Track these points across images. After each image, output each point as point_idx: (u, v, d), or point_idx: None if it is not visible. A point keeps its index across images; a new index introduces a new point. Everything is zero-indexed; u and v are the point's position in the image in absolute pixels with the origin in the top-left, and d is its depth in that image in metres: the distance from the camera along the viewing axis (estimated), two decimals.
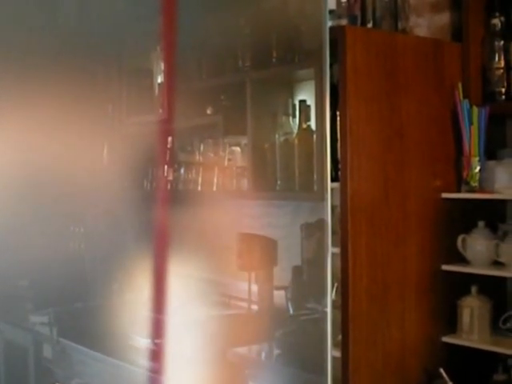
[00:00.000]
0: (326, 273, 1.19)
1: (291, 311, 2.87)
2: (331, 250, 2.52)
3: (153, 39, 2.65)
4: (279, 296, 2.93)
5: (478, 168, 2.71)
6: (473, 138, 2.72)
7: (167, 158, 3.14)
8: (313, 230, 2.74)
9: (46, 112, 2.77)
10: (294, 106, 2.90)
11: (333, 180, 2.59)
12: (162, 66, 2.78)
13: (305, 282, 2.82)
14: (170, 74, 2.13)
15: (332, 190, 2.62)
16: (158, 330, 2.44)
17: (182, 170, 3.19)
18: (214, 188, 3.09)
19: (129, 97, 3.36)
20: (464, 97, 2.75)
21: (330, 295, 1.22)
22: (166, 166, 3.13)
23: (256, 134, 2.95)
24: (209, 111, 3.19)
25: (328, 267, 1.20)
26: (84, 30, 3.07)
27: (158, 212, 2.24)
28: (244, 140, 3.01)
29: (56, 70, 2.87)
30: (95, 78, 3.16)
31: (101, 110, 3.27)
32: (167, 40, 1.88)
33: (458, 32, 2.87)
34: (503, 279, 2.80)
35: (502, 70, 2.73)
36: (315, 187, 2.67)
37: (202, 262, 2.95)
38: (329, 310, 1.20)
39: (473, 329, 2.70)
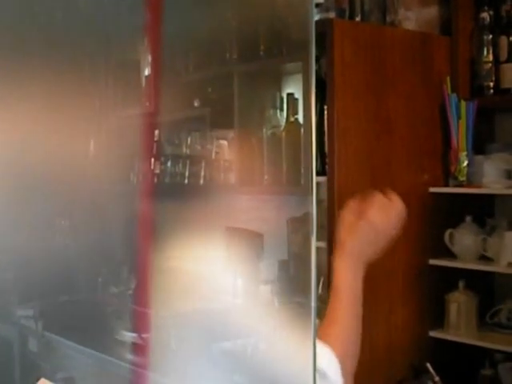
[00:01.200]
0: (307, 267, 1.17)
1: (277, 305, 2.85)
2: (318, 244, 2.51)
3: (140, 31, 2.63)
4: (265, 290, 2.92)
5: (466, 162, 2.71)
6: (461, 132, 2.71)
7: (154, 151, 3.13)
8: (299, 224, 2.73)
9: (29, 105, 2.74)
10: (281, 99, 2.88)
11: (320, 174, 2.58)
12: (150, 58, 2.76)
13: (291, 277, 2.81)
14: (156, 66, 2.11)
15: (319, 183, 2.61)
16: (143, 323, 2.42)
17: (169, 163, 3.17)
18: (201, 181, 3.07)
19: (115, 89, 3.34)
20: (452, 91, 2.74)
21: (315, 290, 1.20)
22: (152, 159, 3.12)
23: (243, 127, 2.94)
24: (196, 104, 3.17)
25: (312, 261, 1.18)
26: (70, 23, 3.04)
27: (143, 205, 2.22)
28: (231, 133, 2.99)
29: (41, 63, 2.84)
30: (81, 71, 3.13)
31: (87, 103, 3.25)
32: (153, 32, 1.86)
33: (446, 25, 2.86)
34: (490, 274, 2.79)
35: (490, 64, 2.73)
36: (302, 181, 2.66)
37: (188, 255, 2.93)
38: (313, 304, 1.19)
39: (460, 323, 2.70)
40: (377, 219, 1.50)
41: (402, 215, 1.56)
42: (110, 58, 3.28)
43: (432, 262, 2.72)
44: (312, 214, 1.24)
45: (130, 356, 2.55)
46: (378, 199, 1.56)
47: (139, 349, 2.49)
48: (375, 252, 1.56)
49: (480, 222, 2.76)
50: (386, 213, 1.53)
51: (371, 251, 1.54)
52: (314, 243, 1.25)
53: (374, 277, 2.59)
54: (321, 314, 2.47)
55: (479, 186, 2.67)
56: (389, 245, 1.56)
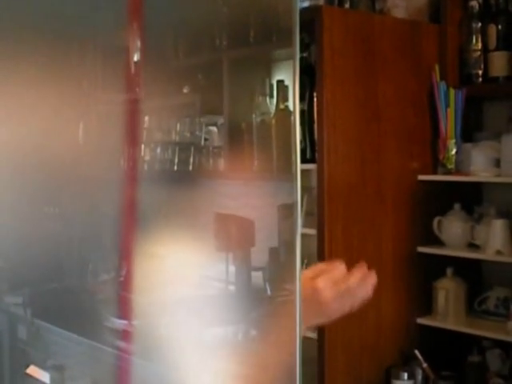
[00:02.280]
0: (294, 254, 1.18)
1: (269, 292, 2.86)
2: (308, 231, 2.52)
3: (126, 15, 2.61)
4: (257, 277, 2.93)
5: (455, 150, 2.72)
6: (449, 120, 2.71)
7: (143, 138, 3.12)
8: (289, 211, 2.72)
9: (18, 90, 2.73)
10: (271, 86, 2.88)
11: (310, 161, 2.59)
12: (139, 43, 2.74)
13: (282, 263, 2.81)
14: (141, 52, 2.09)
15: (309, 171, 2.62)
16: (132, 310, 2.42)
17: (158, 150, 3.17)
18: (190, 168, 3.07)
19: (104, 74, 3.32)
20: (441, 79, 2.75)
21: (299, 276, 1.21)
22: (142, 146, 3.11)
23: (233, 113, 2.93)
24: (185, 90, 3.16)
25: (297, 248, 1.18)
26: (57, 8, 3.02)
27: (132, 191, 2.21)
28: (221, 120, 2.99)
29: (29, 50, 2.83)
30: (70, 55, 3.12)
31: (76, 88, 3.23)
32: (136, 17, 1.85)
33: (435, 13, 2.86)
34: (478, 261, 2.81)
35: (479, 52, 2.73)
36: (293, 168, 2.66)
37: (178, 242, 2.93)
38: (297, 290, 1.19)
39: (448, 311, 2.71)
40: (327, 294, 1.38)
41: (364, 294, 1.45)
42: (100, 43, 3.26)
43: (420, 249, 2.74)
44: (297, 202, 1.23)
45: (119, 343, 2.56)
46: (338, 273, 1.43)
47: (129, 336, 2.49)
48: (315, 321, 1.47)
49: (468, 209, 2.77)
50: (338, 289, 1.39)
51: (308, 318, 1.38)
52: (299, 230, 1.25)
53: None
54: None
55: (467, 174, 2.68)
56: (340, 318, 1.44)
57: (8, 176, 2.81)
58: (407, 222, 2.72)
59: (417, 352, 2.65)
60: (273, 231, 2.86)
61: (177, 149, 3.16)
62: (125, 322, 2.43)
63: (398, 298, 2.71)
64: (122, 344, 2.42)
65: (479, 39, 2.73)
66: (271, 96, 2.87)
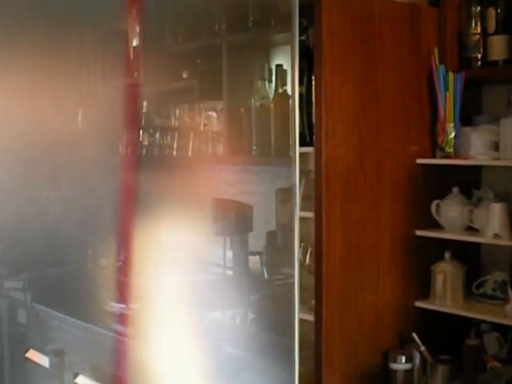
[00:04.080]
0: (293, 236, 1.18)
1: (266, 276, 2.87)
2: (306, 214, 2.52)
3: (128, 1, 2.62)
4: (254, 261, 2.93)
5: (453, 134, 2.71)
6: (448, 103, 2.71)
7: (142, 123, 3.12)
8: (288, 195, 2.73)
9: (18, 75, 2.73)
10: (270, 70, 2.87)
11: (308, 144, 2.59)
12: (138, 29, 2.74)
13: (279, 247, 2.82)
14: (140, 37, 2.10)
15: (307, 154, 2.62)
16: (131, 295, 2.43)
17: (157, 135, 3.16)
18: (190, 153, 3.07)
19: (103, 60, 3.32)
20: (440, 62, 2.74)
21: (297, 259, 1.22)
22: (141, 131, 3.11)
23: (232, 98, 2.93)
24: (184, 75, 3.16)
25: (296, 231, 1.19)
26: None
27: (131, 177, 2.22)
28: (220, 105, 2.99)
29: (29, 34, 2.83)
30: (69, 41, 3.11)
31: (75, 74, 3.23)
32: (136, 3, 1.86)
33: None
34: (477, 245, 2.81)
35: (478, 36, 2.72)
36: (291, 152, 2.66)
37: (177, 227, 2.93)
38: (296, 273, 1.20)
39: (446, 294, 2.72)
40: None
41: None
42: (98, 29, 3.26)
43: (419, 232, 2.74)
44: (295, 184, 1.24)
45: (119, 327, 2.57)
46: None
47: (128, 320, 2.50)
48: None
49: (467, 193, 2.77)
50: None
51: None
52: (297, 214, 1.26)
53: (361, 248, 2.62)
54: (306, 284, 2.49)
55: (466, 158, 2.68)
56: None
57: (7, 161, 2.81)
58: (405, 206, 2.73)
59: (414, 335, 2.65)
60: (271, 215, 2.86)
61: (176, 134, 3.16)
62: (125, 306, 2.44)
63: (396, 281, 2.71)
64: (120, 328, 2.43)
65: (478, 23, 2.72)
66: (270, 81, 2.86)
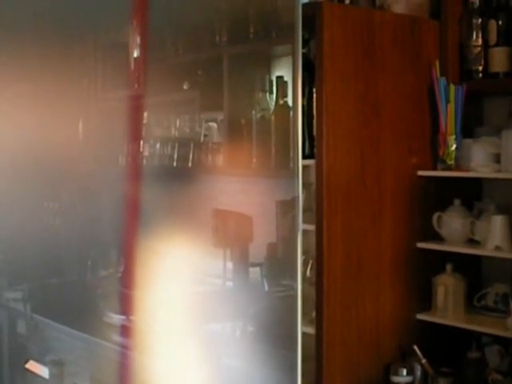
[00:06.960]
0: (295, 249, 1.18)
1: (266, 288, 2.86)
2: (307, 226, 2.51)
3: (129, 13, 2.62)
4: (254, 273, 2.92)
5: (455, 146, 2.71)
6: (449, 115, 2.71)
7: (143, 134, 3.12)
8: (288, 207, 2.73)
9: (19, 86, 2.73)
10: (271, 82, 2.87)
11: (309, 157, 2.58)
12: (138, 40, 2.74)
13: (280, 259, 2.81)
14: (143, 48, 2.10)
15: (308, 166, 2.61)
16: (131, 306, 2.42)
17: (158, 146, 3.16)
18: (190, 164, 3.07)
19: (104, 71, 3.32)
20: (441, 74, 2.74)
21: (301, 271, 1.21)
22: (141, 142, 3.11)
23: (233, 109, 2.93)
24: (185, 86, 3.16)
25: (298, 244, 1.19)
26: (59, 4, 3.02)
27: (131, 187, 2.21)
28: (220, 116, 2.99)
29: (31, 45, 2.83)
30: (70, 52, 3.11)
31: (76, 85, 3.23)
32: (140, 14, 1.85)
33: (436, 9, 2.85)
34: (478, 257, 2.81)
35: (479, 48, 2.72)
36: (291, 164, 2.66)
37: (177, 237, 2.93)
38: (299, 286, 1.19)
39: (447, 306, 2.71)
40: None
41: None
42: (100, 40, 3.26)
43: (420, 245, 2.73)
44: (298, 196, 1.24)
45: (118, 338, 2.56)
46: None
47: (127, 331, 2.49)
48: None
49: (468, 205, 2.77)
50: None
51: None
52: (300, 226, 1.25)
53: (362, 260, 2.61)
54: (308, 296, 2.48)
55: (467, 170, 2.67)
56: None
57: (8, 171, 2.81)
58: (407, 218, 2.72)
59: (416, 348, 2.64)
60: (271, 227, 2.86)
61: (176, 145, 3.15)
62: (124, 317, 2.43)
63: (398, 293, 2.70)
64: (120, 339, 2.42)
65: (479, 35, 2.73)
66: (271, 92, 2.86)
